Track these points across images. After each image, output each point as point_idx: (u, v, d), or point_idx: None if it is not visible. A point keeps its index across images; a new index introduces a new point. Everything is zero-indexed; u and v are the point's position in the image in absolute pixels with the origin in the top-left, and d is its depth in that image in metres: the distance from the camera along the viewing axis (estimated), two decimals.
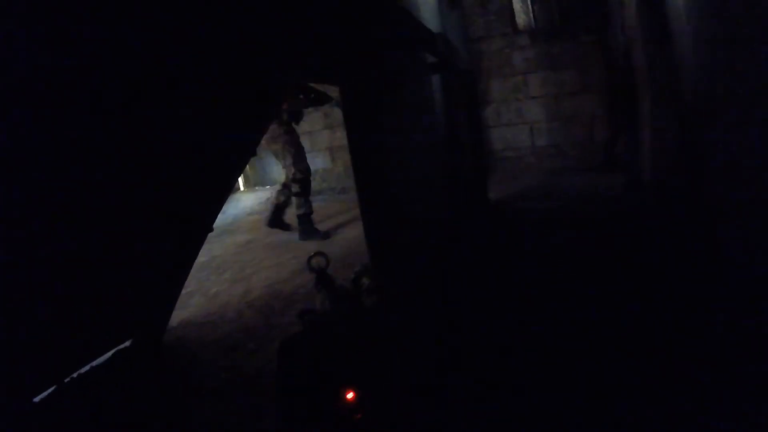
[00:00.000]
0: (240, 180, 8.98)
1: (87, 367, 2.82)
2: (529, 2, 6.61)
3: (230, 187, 2.77)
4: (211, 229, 2.88)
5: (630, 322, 2.44)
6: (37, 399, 2.49)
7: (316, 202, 7.03)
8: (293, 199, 5.29)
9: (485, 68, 6.67)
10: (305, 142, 7.01)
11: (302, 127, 5.98)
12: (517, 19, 6.66)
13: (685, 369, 1.97)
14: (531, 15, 6.64)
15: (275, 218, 5.54)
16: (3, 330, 2.03)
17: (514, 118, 6.78)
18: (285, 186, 5.37)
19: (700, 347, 2.08)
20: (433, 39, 2.65)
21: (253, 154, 2.38)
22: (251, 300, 3.69)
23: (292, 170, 5.09)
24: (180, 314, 3.64)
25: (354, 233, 4.98)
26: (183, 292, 3.69)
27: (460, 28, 4.67)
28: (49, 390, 2.57)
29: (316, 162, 7.35)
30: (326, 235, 5.24)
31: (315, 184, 7.54)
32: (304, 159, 5.15)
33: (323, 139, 7.42)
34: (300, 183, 5.14)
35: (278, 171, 7.97)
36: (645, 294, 2.70)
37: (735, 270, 2.46)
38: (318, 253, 2.13)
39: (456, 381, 2.18)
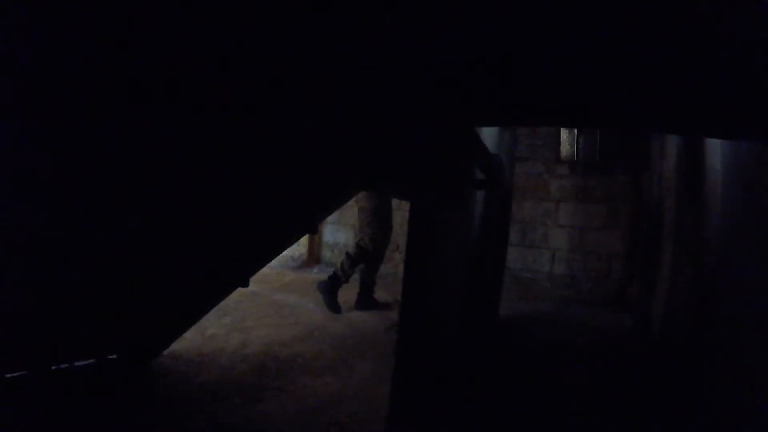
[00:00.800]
0: None
1: (66, 365, 2.85)
2: (575, 133, 6.89)
3: (279, 254, 2.89)
4: (246, 284, 2.98)
5: None
6: (8, 375, 2.52)
7: (327, 272, 7.13)
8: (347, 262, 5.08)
9: (521, 188, 6.87)
10: (337, 213, 7.12)
11: None
12: (561, 148, 6.92)
13: None
14: (575, 147, 6.89)
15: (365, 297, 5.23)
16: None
17: (538, 242, 6.89)
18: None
19: None
20: (491, 159, 2.80)
21: (314, 232, 2.56)
22: (247, 354, 3.70)
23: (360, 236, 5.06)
24: (172, 345, 3.65)
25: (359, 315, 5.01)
26: None
27: (509, 148, 4.87)
28: (22, 372, 2.60)
29: (338, 236, 7.48)
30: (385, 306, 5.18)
31: (331, 256, 7.65)
32: (374, 228, 4.90)
33: (348, 215, 7.51)
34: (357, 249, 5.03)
35: None
36: None
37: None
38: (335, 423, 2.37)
39: None
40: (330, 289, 5.09)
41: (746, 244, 2.51)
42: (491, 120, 1.81)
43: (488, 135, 3.25)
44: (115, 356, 3.17)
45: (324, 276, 6.13)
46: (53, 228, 1.82)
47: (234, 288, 3.06)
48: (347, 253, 5.13)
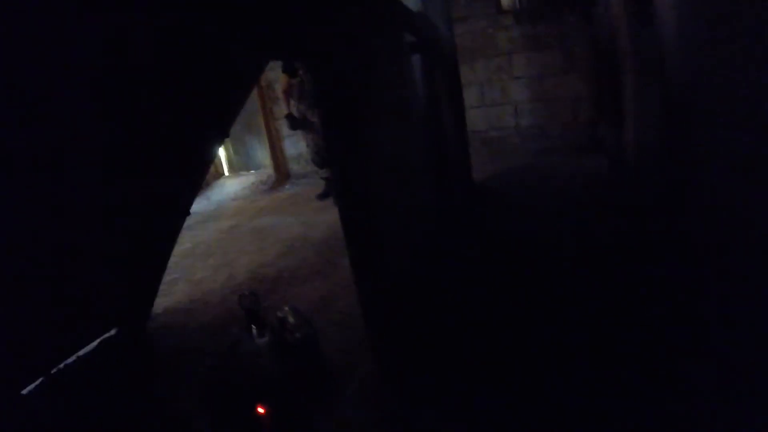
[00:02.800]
0: (224, 165, 8.90)
1: (73, 358, 2.81)
2: None
3: (205, 170, 2.75)
4: (187, 213, 2.86)
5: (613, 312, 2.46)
6: (25, 391, 2.49)
7: (301, 186, 7.03)
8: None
9: (468, 48, 6.62)
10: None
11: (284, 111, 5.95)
12: None
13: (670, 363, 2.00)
14: None
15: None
16: None
17: (498, 99, 6.74)
18: None
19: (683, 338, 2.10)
20: (412, 18, 2.62)
21: (226, 135, 2.37)
22: (235, 285, 3.68)
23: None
24: (165, 301, 3.63)
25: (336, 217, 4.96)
26: (167, 279, 3.68)
27: (442, 7, 4.61)
28: (37, 382, 2.56)
29: (299, 146, 7.29)
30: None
31: (299, 167, 7.52)
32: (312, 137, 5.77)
33: None
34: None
35: (262, 155, 7.93)
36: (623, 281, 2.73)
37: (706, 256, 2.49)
38: (250, 293, 2.32)
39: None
40: (329, 191, 5.90)
41: (703, 54, 2.41)
42: None
43: None
44: (113, 332, 3.13)
45: (298, 189, 6.17)
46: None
47: (180, 219, 2.92)
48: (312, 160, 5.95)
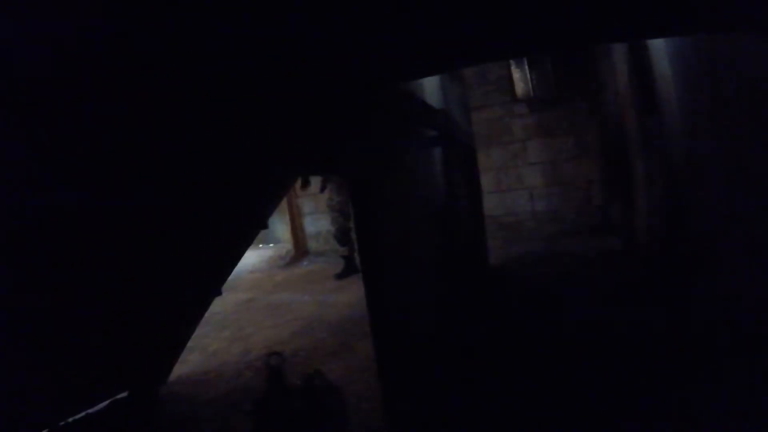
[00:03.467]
0: None
1: (82, 414, 2.84)
2: (527, 71, 6.88)
3: (240, 255, 2.89)
4: (219, 293, 2.97)
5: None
6: None
7: (318, 263, 7.13)
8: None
9: (485, 136, 6.88)
10: (312, 203, 7.22)
11: (311, 188, 6.19)
12: (515, 88, 6.92)
13: None
14: (529, 84, 6.90)
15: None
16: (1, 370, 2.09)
17: (514, 184, 6.94)
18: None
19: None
20: (435, 115, 2.80)
21: (264, 227, 2.53)
22: (250, 360, 3.71)
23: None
24: (178, 369, 3.65)
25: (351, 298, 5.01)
26: None
27: (460, 99, 4.86)
28: None
29: (319, 224, 7.47)
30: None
31: (317, 245, 7.66)
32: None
33: (322, 203, 7.55)
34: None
35: (282, 230, 8.11)
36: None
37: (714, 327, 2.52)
38: (275, 353, 2.36)
39: None
40: (348, 270, 6.09)
41: (706, 134, 2.54)
42: (405, 71, 1.79)
43: (432, 92, 3.24)
44: (125, 394, 3.17)
45: (315, 267, 6.27)
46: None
47: (209, 299, 3.05)
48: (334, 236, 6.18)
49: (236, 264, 2.95)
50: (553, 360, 2.97)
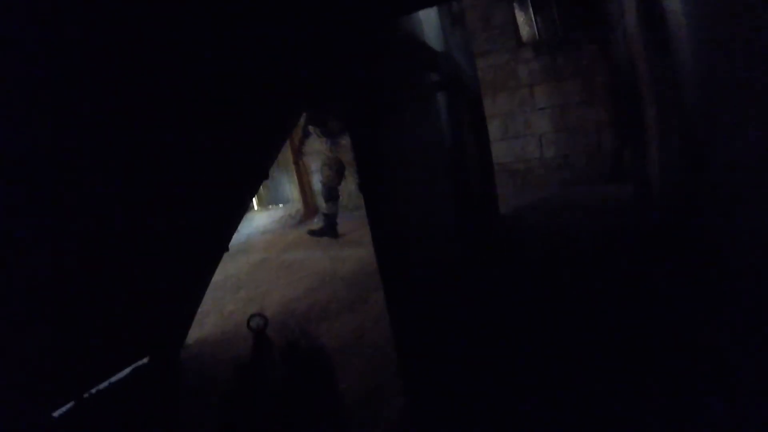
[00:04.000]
0: (253, 199, 9.09)
1: (105, 383, 2.89)
2: (532, 14, 6.68)
3: (245, 208, 2.86)
4: (226, 249, 2.96)
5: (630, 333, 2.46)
6: (56, 414, 2.56)
7: None
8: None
9: (491, 82, 6.74)
10: (319, 160, 7.18)
11: (318, 145, 6.16)
12: (520, 32, 6.73)
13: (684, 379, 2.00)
14: (535, 27, 6.70)
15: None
16: (23, 345, 2.11)
17: (522, 131, 6.82)
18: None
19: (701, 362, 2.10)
20: (436, 59, 2.72)
21: (266, 176, 2.48)
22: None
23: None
24: (196, 333, 3.72)
25: (363, 252, 5.02)
26: (199, 310, 3.78)
27: (463, 44, 4.73)
28: (68, 405, 2.64)
29: None
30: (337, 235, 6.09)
31: None
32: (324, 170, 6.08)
33: None
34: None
35: (290, 190, 8.09)
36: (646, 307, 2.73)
37: (735, 281, 2.48)
38: (257, 314, 2.44)
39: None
40: (326, 229, 6.11)
41: (719, 81, 2.44)
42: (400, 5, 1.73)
43: (434, 36, 3.15)
44: (146, 359, 3.22)
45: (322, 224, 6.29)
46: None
47: (218, 255, 3.04)
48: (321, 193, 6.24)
49: (242, 216, 2.92)
50: (562, 314, 2.96)
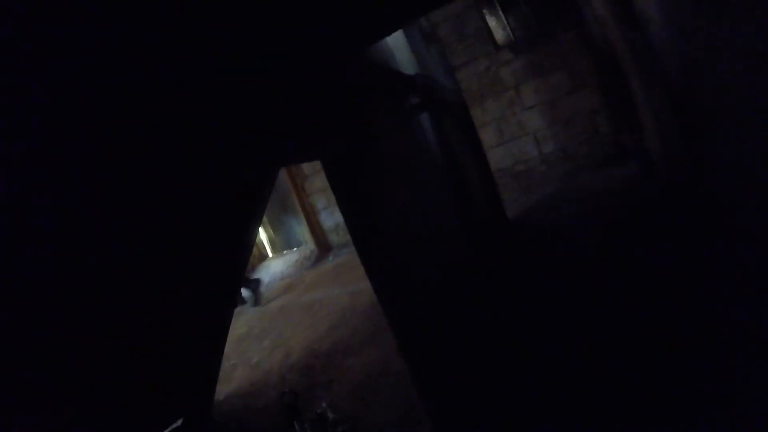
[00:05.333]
0: (267, 246, 9.16)
1: None
2: (503, 16, 6.72)
3: (240, 275, 2.89)
4: (234, 303, 2.98)
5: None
6: None
7: (343, 255, 7.16)
8: None
9: (476, 91, 6.77)
10: (324, 198, 7.22)
11: (320, 183, 6.20)
12: (495, 36, 6.77)
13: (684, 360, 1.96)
14: (508, 28, 6.74)
15: None
16: (60, 419, 2.13)
17: (516, 132, 6.82)
18: None
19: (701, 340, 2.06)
20: (412, 82, 2.75)
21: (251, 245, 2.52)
22: (292, 363, 3.76)
23: None
24: (226, 387, 3.73)
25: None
26: (227, 365, 3.80)
27: (440, 59, 4.79)
28: None
29: (335, 217, 7.47)
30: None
31: (338, 238, 7.67)
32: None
33: (332, 197, 7.59)
34: None
35: (301, 231, 8.14)
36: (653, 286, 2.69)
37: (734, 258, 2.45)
38: (290, 391, 2.52)
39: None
40: None
41: (695, 35, 2.43)
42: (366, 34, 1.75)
43: (405, 60, 3.19)
44: (179, 422, 3.22)
45: (340, 260, 6.29)
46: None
47: (229, 306, 3.05)
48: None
49: (244, 268, 2.95)
50: (577, 313, 2.93)
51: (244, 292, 6.17)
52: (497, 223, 4.88)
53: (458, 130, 4.28)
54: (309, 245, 8.01)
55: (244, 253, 2.77)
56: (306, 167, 7.23)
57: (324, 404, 2.51)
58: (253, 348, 4.54)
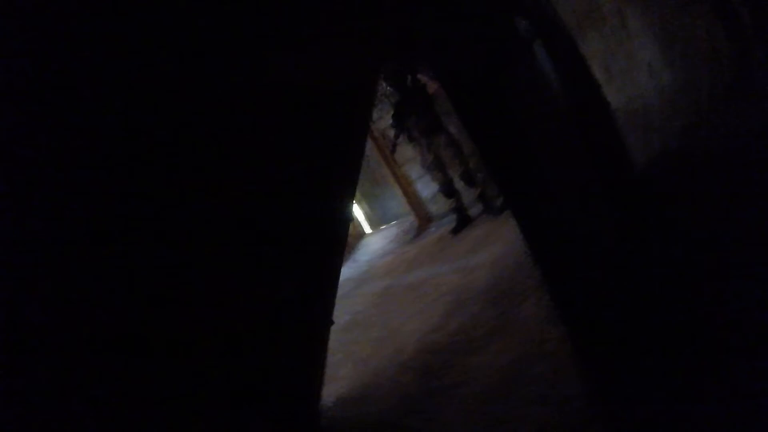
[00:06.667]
0: (364, 223, 8.81)
1: None
2: None
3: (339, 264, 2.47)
4: (331, 322, 2.60)
5: None
6: None
7: (445, 225, 6.58)
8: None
9: (574, 20, 5.86)
10: (415, 168, 6.89)
11: (406, 155, 5.89)
12: None
13: None
14: None
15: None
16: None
17: (625, 66, 5.83)
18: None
19: None
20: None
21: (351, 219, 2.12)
22: (404, 361, 3.24)
23: None
24: (334, 390, 3.32)
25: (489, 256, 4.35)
26: (332, 360, 3.35)
27: None
28: None
29: (431, 186, 6.89)
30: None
31: (438, 207, 7.11)
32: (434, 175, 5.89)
33: None
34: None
35: (398, 205, 7.64)
36: None
37: None
38: None
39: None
40: (461, 221, 5.83)
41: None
42: None
43: None
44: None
45: (443, 231, 6.01)
46: None
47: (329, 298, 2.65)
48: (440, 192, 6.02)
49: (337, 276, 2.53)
50: None
51: None
52: (618, 171, 4.10)
53: (570, 61, 3.54)
54: (409, 218, 7.53)
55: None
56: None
57: None
58: (360, 339, 4.15)
